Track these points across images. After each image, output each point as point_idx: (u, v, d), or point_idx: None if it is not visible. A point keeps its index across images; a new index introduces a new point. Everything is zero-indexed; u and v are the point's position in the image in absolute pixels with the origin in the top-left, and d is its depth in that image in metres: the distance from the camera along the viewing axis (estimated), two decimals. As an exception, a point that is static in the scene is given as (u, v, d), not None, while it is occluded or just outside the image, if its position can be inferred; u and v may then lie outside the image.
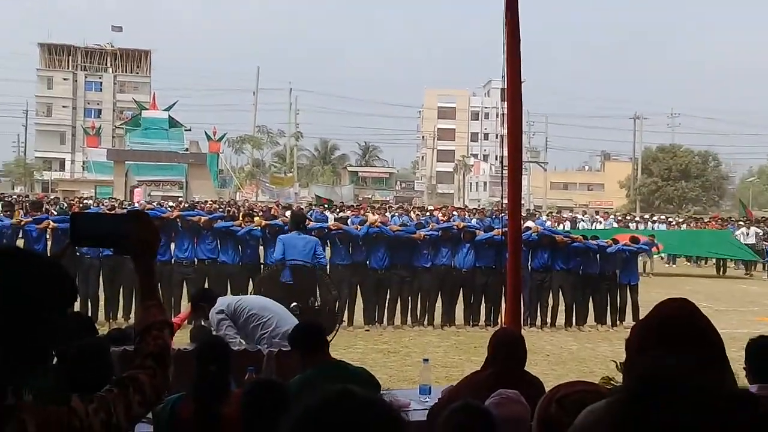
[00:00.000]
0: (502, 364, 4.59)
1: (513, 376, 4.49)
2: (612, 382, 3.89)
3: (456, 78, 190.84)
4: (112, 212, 12.01)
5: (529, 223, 18.38)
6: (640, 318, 2.08)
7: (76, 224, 2.18)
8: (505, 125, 6.88)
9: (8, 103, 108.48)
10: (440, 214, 32.75)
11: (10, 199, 37.94)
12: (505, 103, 6.84)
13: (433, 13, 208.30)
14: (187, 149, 62.02)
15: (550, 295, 14.54)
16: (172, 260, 13.39)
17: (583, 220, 38.56)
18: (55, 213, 20.27)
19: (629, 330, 2.09)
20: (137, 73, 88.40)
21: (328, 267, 13.17)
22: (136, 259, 2.15)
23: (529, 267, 14.12)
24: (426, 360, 6.05)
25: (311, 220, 16.79)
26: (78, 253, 12.51)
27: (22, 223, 13.51)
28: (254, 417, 3.83)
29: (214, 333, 6.75)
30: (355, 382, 4.74)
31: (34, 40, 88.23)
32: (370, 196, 68.64)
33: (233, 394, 4.36)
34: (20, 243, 12.92)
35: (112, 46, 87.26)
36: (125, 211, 14.11)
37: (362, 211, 33.33)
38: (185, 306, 11.03)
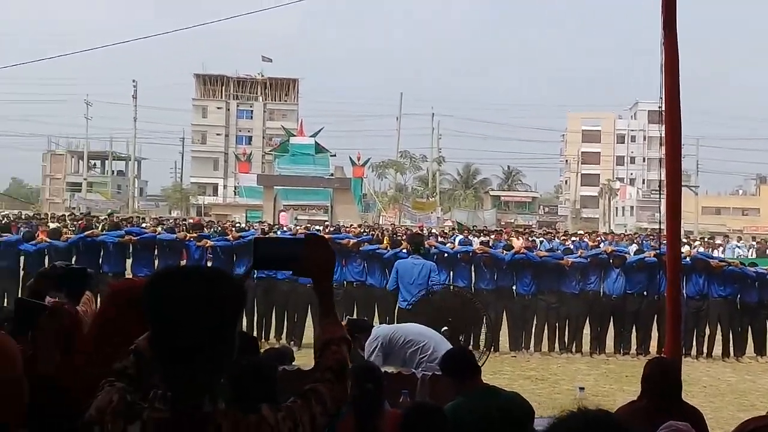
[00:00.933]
0: (658, 394, 4.45)
1: (671, 407, 4.35)
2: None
3: (600, 101, 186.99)
4: (292, 236, 12.47)
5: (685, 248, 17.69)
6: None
7: (259, 248, 2.29)
8: (663, 148, 6.69)
9: (167, 132, 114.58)
10: (590, 240, 32.05)
11: (171, 222, 39.92)
12: (656, 125, 6.67)
13: (582, 33, 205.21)
14: (332, 174, 63.39)
15: (707, 323, 13.92)
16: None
17: (738, 247, 36.78)
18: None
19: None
20: (285, 101, 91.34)
21: (473, 290, 13.15)
22: (315, 280, 2.24)
23: (684, 294, 13.59)
24: (582, 388, 5.93)
25: (454, 244, 16.78)
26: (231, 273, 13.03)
27: (186, 238, 14.42)
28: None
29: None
30: (509, 408, 4.71)
31: (191, 71, 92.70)
32: (512, 221, 67.95)
33: (388, 414, 4.43)
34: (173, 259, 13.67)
35: (262, 76, 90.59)
36: (302, 235, 14.66)
37: (506, 236, 33.01)
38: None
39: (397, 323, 11.62)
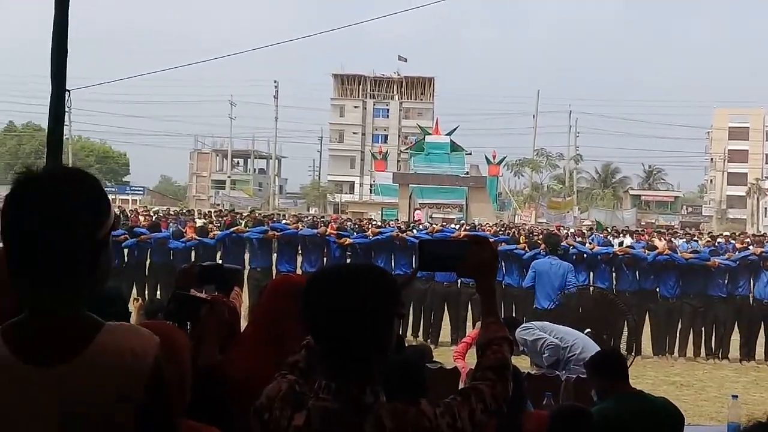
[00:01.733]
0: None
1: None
2: None
3: (748, 96, 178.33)
4: (456, 238, 12.64)
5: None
6: None
7: (425, 250, 2.34)
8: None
9: (306, 131, 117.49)
10: (737, 242, 30.68)
11: (310, 219, 40.96)
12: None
13: (729, 25, 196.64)
14: (467, 173, 63.23)
15: None
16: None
17: None
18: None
19: None
20: (421, 99, 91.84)
21: (614, 292, 12.86)
22: (478, 280, 2.28)
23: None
24: (735, 396, 5.72)
25: (593, 245, 16.44)
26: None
27: (327, 233, 14.80)
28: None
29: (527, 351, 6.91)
30: (659, 414, 4.60)
31: (329, 72, 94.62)
32: (653, 221, 65.83)
33: (532, 415, 4.42)
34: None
35: (398, 75, 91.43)
36: (465, 236, 14.81)
37: (646, 236, 32.04)
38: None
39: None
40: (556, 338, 7.03)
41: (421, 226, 34.46)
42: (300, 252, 15.01)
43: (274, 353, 2.56)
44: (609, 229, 37.31)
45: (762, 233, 43.25)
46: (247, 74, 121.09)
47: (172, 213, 40.03)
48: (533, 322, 8.07)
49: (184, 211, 45.08)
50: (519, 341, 7.12)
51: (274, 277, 10.78)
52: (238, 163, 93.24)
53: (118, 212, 35.41)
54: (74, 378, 1.72)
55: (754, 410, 9.36)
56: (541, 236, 18.39)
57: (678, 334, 13.42)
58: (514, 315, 13.20)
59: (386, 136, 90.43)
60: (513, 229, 34.92)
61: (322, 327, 2.00)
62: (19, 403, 1.71)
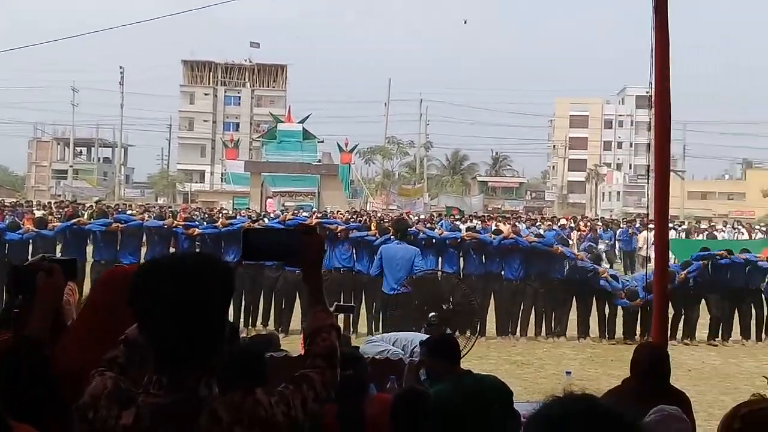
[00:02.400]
0: (647, 379, 4.48)
1: (660, 391, 4.38)
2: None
3: (588, 86, 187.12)
4: (281, 226, 12.44)
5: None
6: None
7: (249, 239, 2.29)
8: (652, 133, 6.69)
9: (154, 119, 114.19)
10: (578, 226, 32.19)
11: (157, 209, 39.82)
12: (643, 110, 6.66)
13: (567, 21, 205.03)
14: (319, 160, 63.17)
15: (693, 308, 14.06)
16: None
17: (723, 231, 36.96)
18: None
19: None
20: (273, 87, 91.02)
21: (461, 276, 13.19)
22: (305, 269, 2.27)
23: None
24: (569, 372, 5.97)
25: (442, 230, 16.77)
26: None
27: (174, 225, 14.45)
28: (404, 423, 3.90)
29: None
30: (488, 390, 4.73)
31: (179, 58, 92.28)
32: (499, 206, 68.10)
33: (375, 399, 4.45)
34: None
35: (250, 62, 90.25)
36: (289, 223, 14.70)
37: (492, 222, 33.07)
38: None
39: (383, 310, 11.64)
40: (401, 346, 7.07)
41: (272, 215, 34.20)
42: (144, 244, 14.57)
43: (106, 348, 2.45)
44: (456, 215, 38.30)
45: (600, 216, 45.57)
46: (90, 59, 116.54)
47: (8, 204, 37.90)
48: (382, 335, 8.09)
49: (22, 202, 42.82)
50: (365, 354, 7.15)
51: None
52: (81, 152, 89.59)
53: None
54: None
55: (589, 385, 9.81)
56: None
57: (520, 315, 13.90)
58: (363, 301, 13.35)
59: (238, 124, 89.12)
60: (364, 216, 35.21)
61: (154, 318, 1.93)
62: None
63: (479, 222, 33.38)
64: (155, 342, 1.94)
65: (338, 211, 40.41)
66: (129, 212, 30.79)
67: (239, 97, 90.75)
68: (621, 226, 31.90)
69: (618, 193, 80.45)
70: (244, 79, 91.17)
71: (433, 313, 9.06)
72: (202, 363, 1.93)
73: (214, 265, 2.01)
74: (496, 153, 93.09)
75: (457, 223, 31.24)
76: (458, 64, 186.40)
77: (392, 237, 13.07)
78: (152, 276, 1.97)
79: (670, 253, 20.81)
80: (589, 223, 34.21)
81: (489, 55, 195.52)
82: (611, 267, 21.52)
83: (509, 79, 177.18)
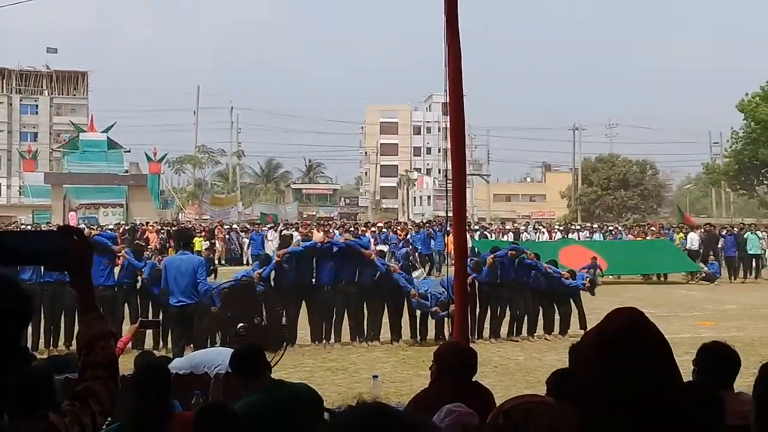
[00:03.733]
0: (453, 377, 4.58)
1: (465, 388, 4.49)
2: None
3: (397, 94, 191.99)
4: (38, 230, 11.81)
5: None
6: (589, 327, 2.11)
7: (7, 242, 2.11)
8: (449, 138, 6.90)
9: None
10: (392, 231, 32.80)
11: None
12: (448, 116, 6.86)
13: (374, 28, 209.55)
14: (127, 171, 61.10)
15: (498, 306, 14.68)
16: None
17: (526, 231, 38.95)
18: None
19: (578, 339, 2.13)
20: (74, 95, 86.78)
21: (272, 285, 13.09)
22: (72, 274, 2.14)
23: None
24: (375, 376, 6.04)
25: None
26: (18, 279, 12.26)
27: None
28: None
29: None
30: (299, 398, 4.71)
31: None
32: (314, 213, 68.46)
33: (177, 418, 4.29)
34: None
35: (47, 68, 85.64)
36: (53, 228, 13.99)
37: (306, 229, 33.20)
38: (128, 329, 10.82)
39: (171, 323, 11.29)
40: (203, 369, 6.83)
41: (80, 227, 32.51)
42: None
43: None
44: (270, 224, 38.10)
45: (412, 221, 46.78)
46: None
47: None
48: (187, 355, 7.81)
49: None
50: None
51: None
52: None
53: None
54: None
55: (401, 387, 10.03)
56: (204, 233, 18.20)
57: (333, 321, 13.95)
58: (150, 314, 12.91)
59: (36, 134, 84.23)
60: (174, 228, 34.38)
61: None
62: None
63: (295, 230, 33.43)
64: None
65: (148, 223, 39.18)
66: None
67: (36, 106, 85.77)
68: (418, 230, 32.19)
69: (429, 197, 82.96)
70: (42, 87, 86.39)
71: (241, 324, 8.93)
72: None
73: (11, 288, 1.90)
74: (310, 160, 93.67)
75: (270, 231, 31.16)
76: (269, 73, 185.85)
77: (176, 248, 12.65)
78: None
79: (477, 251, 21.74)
80: (404, 228, 34.97)
81: (300, 64, 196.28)
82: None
83: (321, 88, 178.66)
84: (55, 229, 2.23)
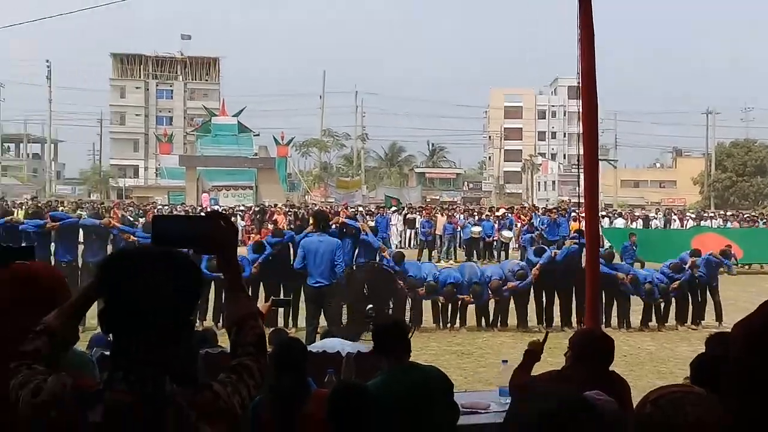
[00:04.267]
0: (588, 364, 4.51)
1: (600, 376, 4.41)
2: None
3: (522, 78, 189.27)
4: (192, 214, 12.36)
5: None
6: (728, 318, 2.05)
7: (158, 227, 2.24)
8: (580, 123, 6.78)
9: (84, 113, 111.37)
10: (515, 216, 32.45)
11: (89, 206, 39.08)
12: (575, 100, 6.74)
13: (500, 12, 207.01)
14: (256, 154, 62.72)
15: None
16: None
17: (655, 218, 37.77)
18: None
19: (716, 331, 2.08)
20: (206, 80, 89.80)
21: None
22: (220, 256, 2.23)
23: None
24: (505, 361, 6.01)
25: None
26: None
27: (111, 225, 14.63)
28: (341, 419, 3.86)
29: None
30: (430, 381, 4.73)
31: (108, 51, 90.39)
32: (437, 197, 68.45)
33: (314, 395, 4.39)
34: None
35: (181, 55, 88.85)
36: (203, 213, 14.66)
37: (430, 213, 33.25)
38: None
39: (307, 302, 11.53)
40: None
41: (208, 209, 33.71)
42: (81, 242, 14.32)
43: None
44: (395, 206, 38.35)
45: (535, 206, 46.15)
46: (16, 54, 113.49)
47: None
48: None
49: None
50: None
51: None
52: (9, 148, 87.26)
53: None
54: None
55: (527, 373, 9.95)
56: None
57: (459, 307, 13.98)
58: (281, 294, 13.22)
59: (171, 118, 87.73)
60: (301, 209, 35.10)
61: (124, 310, 1.93)
62: None
63: (419, 213, 33.56)
64: (124, 337, 1.94)
65: (276, 205, 40.18)
66: (61, 209, 30.14)
67: (171, 91, 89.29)
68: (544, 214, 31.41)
69: (553, 182, 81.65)
70: (176, 72, 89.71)
71: (370, 306, 9.06)
72: (165, 358, 1.93)
73: (182, 257, 2.04)
74: (433, 144, 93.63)
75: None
76: (394, 57, 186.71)
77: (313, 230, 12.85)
78: (123, 264, 1.99)
79: (605, 240, 21.24)
80: (528, 213, 34.51)
81: (424, 46, 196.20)
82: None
83: (445, 71, 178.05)
84: (202, 215, 2.36)
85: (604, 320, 13.64)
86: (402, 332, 4.88)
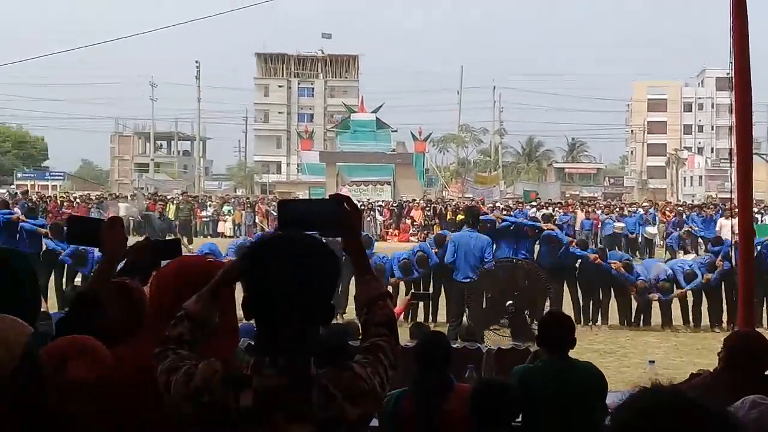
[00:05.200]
0: (742, 368, 4.31)
1: (756, 381, 4.20)
2: None
3: (665, 70, 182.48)
4: (313, 198, 12.57)
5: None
6: None
7: (285, 209, 2.30)
8: (731, 115, 6.51)
9: (230, 111, 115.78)
10: (659, 212, 31.39)
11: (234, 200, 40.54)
12: (724, 92, 6.47)
13: (648, 5, 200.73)
14: (394, 150, 63.29)
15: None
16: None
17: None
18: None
19: None
20: (346, 77, 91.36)
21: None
22: (346, 239, 2.26)
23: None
24: (652, 362, 5.85)
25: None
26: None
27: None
28: (484, 416, 3.86)
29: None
30: (585, 379, 4.65)
31: (252, 51, 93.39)
32: (577, 193, 67.06)
33: (456, 391, 4.40)
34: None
35: (322, 53, 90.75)
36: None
37: (570, 209, 32.62)
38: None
39: (453, 298, 11.55)
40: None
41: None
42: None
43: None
44: (533, 201, 37.84)
45: (683, 202, 44.47)
46: (167, 54, 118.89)
47: (93, 198, 39.04)
48: None
49: (106, 195, 44.05)
50: None
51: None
52: (161, 145, 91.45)
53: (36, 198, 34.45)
54: None
55: (674, 374, 9.58)
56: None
57: (601, 304, 13.68)
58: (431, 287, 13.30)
59: (312, 115, 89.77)
60: (438, 205, 35.15)
61: (271, 296, 1.98)
62: None
63: (558, 209, 32.98)
64: (268, 323, 1.99)
65: (414, 200, 40.45)
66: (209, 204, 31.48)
67: (312, 89, 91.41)
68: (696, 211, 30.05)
69: (700, 177, 78.40)
70: (317, 70, 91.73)
71: (510, 302, 9.00)
72: (310, 341, 1.98)
73: (324, 245, 2.08)
74: (572, 139, 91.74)
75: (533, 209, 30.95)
76: (534, 52, 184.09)
77: (465, 225, 12.95)
78: (269, 251, 2.03)
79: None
80: (674, 209, 33.29)
81: (561, 40, 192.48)
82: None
83: (583, 64, 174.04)
84: (327, 198, 2.41)
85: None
86: (569, 326, 4.82)
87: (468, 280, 11.29)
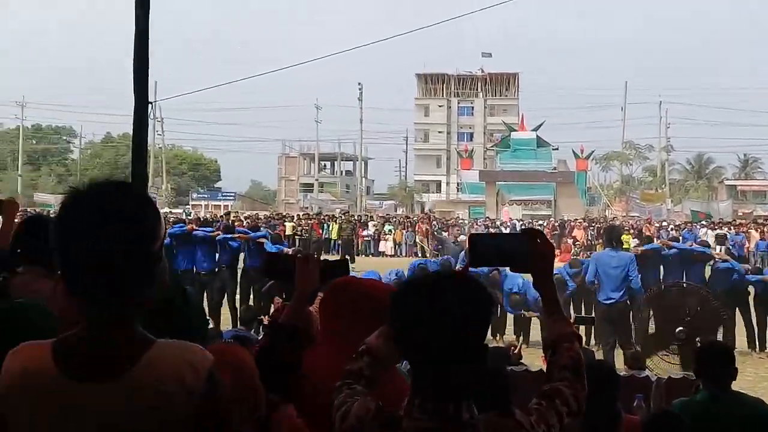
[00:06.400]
0: None
1: None
2: None
3: None
4: (508, 232, 12.52)
5: None
6: None
7: (477, 245, 2.26)
8: None
9: (391, 132, 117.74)
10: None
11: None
12: None
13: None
14: (554, 168, 62.38)
15: None
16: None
17: None
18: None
19: None
20: (505, 96, 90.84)
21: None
22: (537, 276, 2.18)
23: None
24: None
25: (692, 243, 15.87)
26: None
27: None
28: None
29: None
30: (756, 417, 4.37)
31: (413, 72, 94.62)
32: (751, 211, 63.59)
33: (624, 422, 4.24)
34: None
35: (482, 72, 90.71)
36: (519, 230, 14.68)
37: (743, 228, 31.00)
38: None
39: (600, 321, 11.22)
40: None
41: (507, 223, 33.78)
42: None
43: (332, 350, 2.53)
44: (703, 221, 36.20)
45: None
46: (331, 78, 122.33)
47: (261, 217, 40.61)
48: None
49: (274, 214, 45.69)
50: None
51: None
52: (325, 166, 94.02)
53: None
54: (118, 395, 1.69)
55: None
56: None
57: None
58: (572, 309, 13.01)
59: (471, 134, 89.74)
60: (601, 224, 34.25)
61: (420, 339, 1.93)
62: (58, 419, 1.70)
63: (730, 228, 31.43)
64: (420, 364, 1.95)
65: (575, 219, 39.65)
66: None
67: (472, 108, 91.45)
68: None
69: None
70: (477, 90, 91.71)
71: (680, 328, 8.62)
72: (462, 385, 1.92)
73: (473, 284, 2.01)
74: (745, 155, 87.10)
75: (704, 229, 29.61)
76: (697, 66, 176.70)
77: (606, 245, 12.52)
78: (418, 293, 1.98)
79: None
80: None
81: (730, 52, 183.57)
82: None
83: (755, 77, 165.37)
84: (519, 232, 2.34)
85: None
86: (729, 358, 4.57)
87: (611, 301, 10.92)
